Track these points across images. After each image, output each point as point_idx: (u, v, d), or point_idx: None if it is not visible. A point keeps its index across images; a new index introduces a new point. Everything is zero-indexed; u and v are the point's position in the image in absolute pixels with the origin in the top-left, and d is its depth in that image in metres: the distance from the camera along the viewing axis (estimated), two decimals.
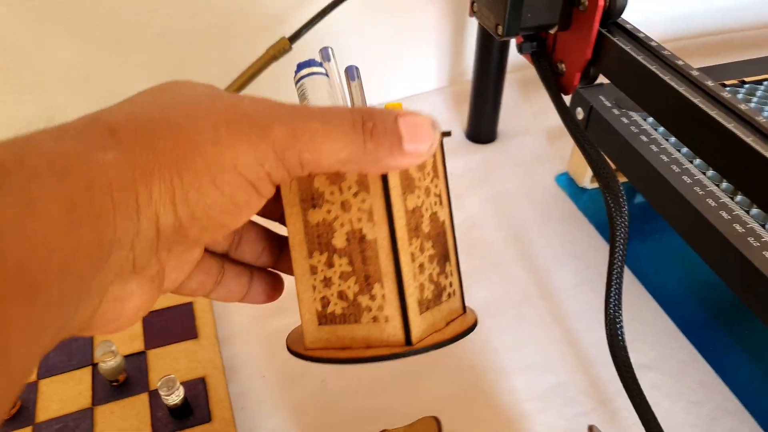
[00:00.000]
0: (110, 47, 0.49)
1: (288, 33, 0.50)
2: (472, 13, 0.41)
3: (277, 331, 0.40)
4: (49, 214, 0.14)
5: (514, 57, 0.51)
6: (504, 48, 0.51)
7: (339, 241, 0.26)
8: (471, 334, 0.41)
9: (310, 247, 0.27)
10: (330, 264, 0.27)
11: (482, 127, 0.56)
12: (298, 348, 0.28)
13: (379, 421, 0.35)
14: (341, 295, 0.27)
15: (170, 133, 0.17)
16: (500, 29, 0.36)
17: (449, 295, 0.28)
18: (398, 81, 0.62)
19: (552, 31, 0.37)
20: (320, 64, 0.29)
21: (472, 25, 0.60)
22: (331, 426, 0.36)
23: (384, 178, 0.24)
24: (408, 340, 0.26)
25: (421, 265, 0.27)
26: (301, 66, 0.28)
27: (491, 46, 0.50)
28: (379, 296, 0.27)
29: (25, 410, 0.35)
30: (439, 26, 0.59)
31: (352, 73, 0.30)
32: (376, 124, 0.19)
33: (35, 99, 0.49)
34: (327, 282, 0.27)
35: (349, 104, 0.29)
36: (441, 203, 0.26)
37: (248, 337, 0.40)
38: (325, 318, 0.27)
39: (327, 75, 0.28)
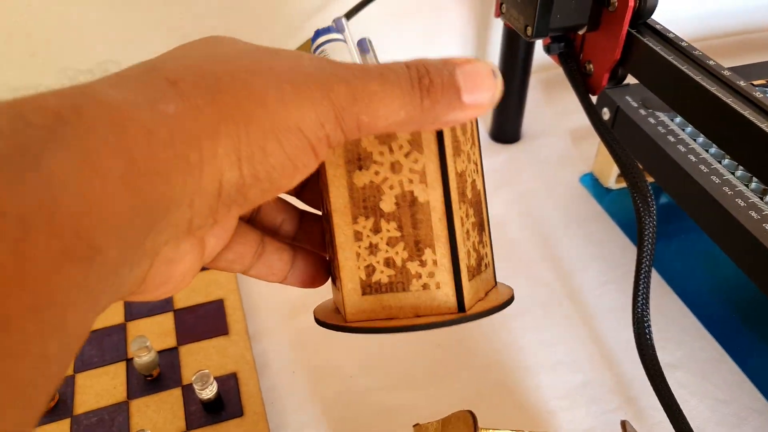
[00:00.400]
0: (139, 46, 0.50)
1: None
2: (499, 14, 0.41)
3: (307, 327, 0.41)
4: (109, 170, 0.13)
5: (538, 57, 0.52)
6: (529, 49, 0.51)
7: (387, 204, 0.25)
8: (498, 333, 0.42)
9: (355, 212, 0.25)
10: (377, 229, 0.25)
11: (507, 127, 0.56)
12: (336, 321, 0.26)
13: (408, 416, 0.35)
14: (388, 262, 0.25)
15: (235, 88, 0.16)
16: (529, 30, 0.36)
17: (486, 265, 0.27)
18: None
19: (581, 32, 0.37)
20: (338, 32, 0.28)
21: (497, 26, 0.60)
22: (361, 422, 0.36)
23: (439, 138, 0.23)
24: (461, 307, 0.25)
25: (468, 232, 0.26)
26: (319, 33, 0.28)
27: (517, 46, 0.50)
28: (430, 262, 0.25)
29: (63, 403, 0.36)
30: (464, 27, 0.60)
31: (364, 45, 0.30)
32: (433, 79, 0.18)
33: None
34: (373, 249, 0.25)
35: None
36: (478, 171, 0.25)
37: (278, 334, 0.41)
38: (369, 287, 0.26)
39: (345, 41, 0.28)
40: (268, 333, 0.41)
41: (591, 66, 0.38)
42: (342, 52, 0.28)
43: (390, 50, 0.58)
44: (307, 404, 0.37)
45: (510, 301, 0.26)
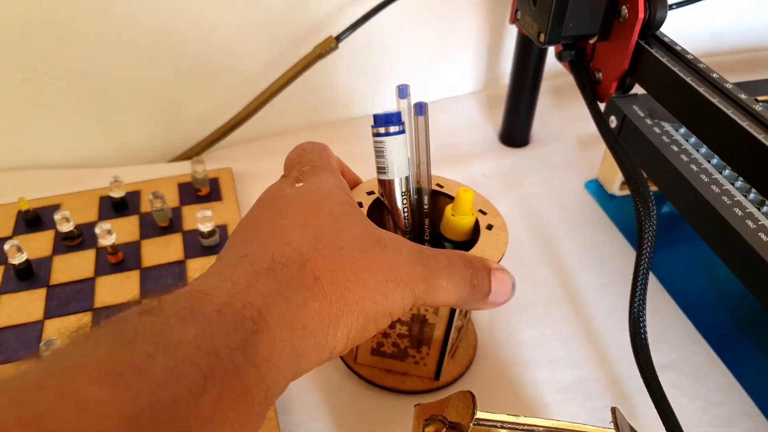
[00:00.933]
0: (162, 38, 0.52)
1: (335, 32, 0.52)
2: (514, 20, 0.43)
3: None
4: (280, 360, 0.19)
5: (549, 65, 0.53)
6: (542, 55, 0.52)
7: (405, 316, 0.33)
8: (499, 326, 0.44)
9: None
10: (392, 326, 0.34)
11: (516, 131, 0.57)
12: (348, 360, 0.38)
13: (409, 399, 0.37)
14: (395, 345, 0.36)
15: (357, 286, 0.22)
16: (542, 37, 0.38)
17: (461, 336, 0.38)
18: (437, 83, 0.64)
19: (592, 41, 0.39)
20: (399, 120, 0.31)
21: (511, 33, 0.62)
22: (364, 405, 0.38)
23: None
24: (437, 377, 0.37)
25: (458, 332, 0.36)
26: (380, 121, 0.30)
27: (530, 53, 0.52)
28: (424, 352, 0.36)
29: None
30: (479, 33, 0.61)
31: (421, 108, 0.33)
32: (479, 282, 0.26)
33: (92, 92, 0.52)
34: (386, 335, 0.35)
35: (412, 150, 0.33)
36: None
37: None
38: (377, 352, 0.37)
39: (404, 131, 0.31)
40: None
41: (600, 74, 0.39)
42: (400, 147, 0.32)
43: (406, 51, 0.60)
44: (310, 388, 0.38)
45: (470, 363, 0.39)
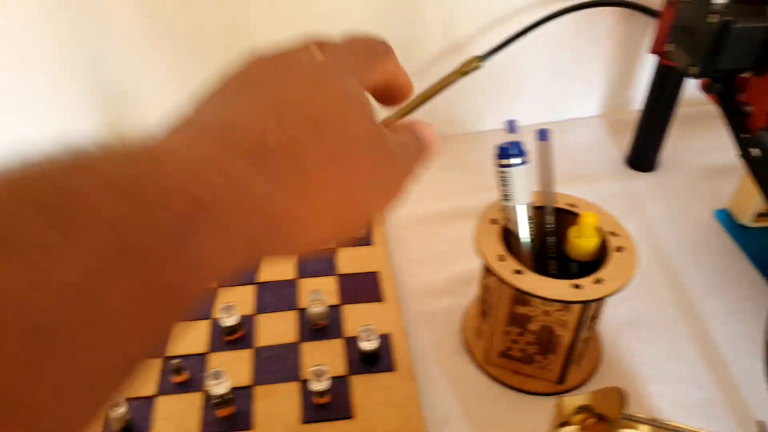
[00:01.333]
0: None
1: (475, 50, 0.56)
2: (660, 50, 0.45)
3: (447, 307, 0.46)
4: (233, 254, 0.17)
5: (684, 93, 0.54)
6: (679, 84, 0.54)
7: (533, 326, 0.38)
8: (623, 338, 0.46)
9: (509, 322, 0.38)
10: (521, 335, 0.38)
11: (644, 155, 0.59)
12: (479, 359, 0.42)
13: (532, 400, 0.40)
14: (522, 351, 0.39)
15: (341, 186, 0.20)
16: (694, 70, 0.40)
17: (591, 341, 0.41)
18: (566, 103, 0.66)
19: (745, 75, 0.40)
20: (522, 151, 0.33)
21: (644, 59, 0.63)
22: (491, 400, 0.41)
23: (585, 307, 0.35)
24: (561, 382, 0.40)
25: (583, 344, 0.39)
26: (505, 152, 0.33)
27: (668, 81, 0.53)
28: (550, 359, 0.39)
29: (247, 336, 0.43)
30: (612, 58, 0.63)
31: (543, 134, 0.36)
32: (422, 142, 0.24)
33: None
34: (515, 342, 0.39)
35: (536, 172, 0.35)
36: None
37: (422, 307, 0.46)
38: (505, 355, 0.41)
39: (527, 162, 0.34)
40: (413, 305, 0.46)
41: (750, 108, 0.41)
42: (523, 176, 0.35)
43: (541, 71, 0.62)
44: (445, 379, 0.42)
45: (593, 371, 0.42)
